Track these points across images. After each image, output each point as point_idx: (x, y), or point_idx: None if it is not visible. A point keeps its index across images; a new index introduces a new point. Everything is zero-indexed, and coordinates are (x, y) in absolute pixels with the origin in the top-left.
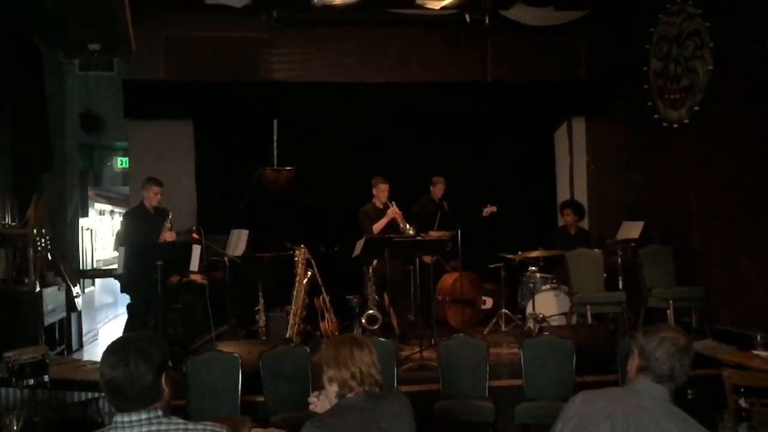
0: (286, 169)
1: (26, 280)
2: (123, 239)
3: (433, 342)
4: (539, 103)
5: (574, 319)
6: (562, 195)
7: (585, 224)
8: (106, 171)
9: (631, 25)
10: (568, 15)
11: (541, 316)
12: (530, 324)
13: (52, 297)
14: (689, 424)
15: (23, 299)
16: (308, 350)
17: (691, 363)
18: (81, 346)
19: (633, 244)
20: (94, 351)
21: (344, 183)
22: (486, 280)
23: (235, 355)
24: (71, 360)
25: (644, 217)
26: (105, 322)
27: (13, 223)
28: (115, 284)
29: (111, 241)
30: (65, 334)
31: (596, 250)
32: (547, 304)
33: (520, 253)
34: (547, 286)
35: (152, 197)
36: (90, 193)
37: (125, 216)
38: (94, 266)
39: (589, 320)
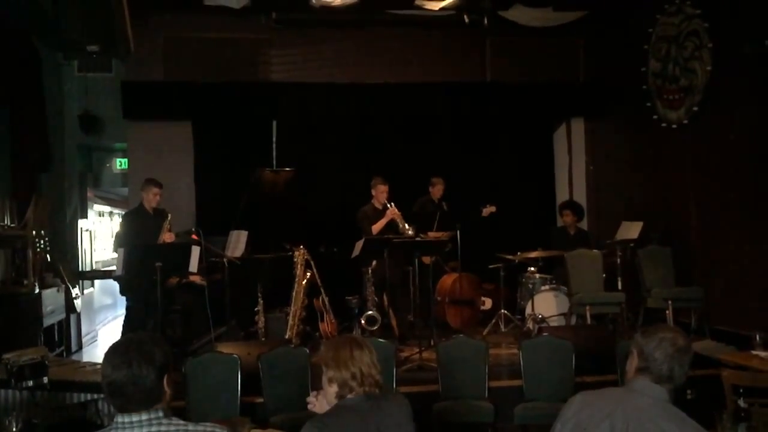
0: (286, 170)
1: (25, 282)
2: (122, 240)
3: (432, 343)
4: (538, 104)
5: (573, 320)
6: (561, 195)
7: (584, 225)
8: (105, 172)
9: (630, 26)
10: (566, 16)
11: (540, 316)
12: (529, 324)
13: (51, 298)
14: (688, 425)
15: (22, 301)
16: (307, 351)
17: (690, 363)
18: (80, 347)
19: (632, 245)
20: (94, 352)
21: (343, 184)
22: (485, 281)
23: (235, 356)
24: (70, 361)
25: (643, 217)
26: (104, 324)
27: (12, 225)
28: (115, 285)
29: (110, 242)
30: (64, 335)
31: (595, 250)
32: (547, 304)
33: (519, 253)
34: (547, 287)
35: (151, 198)
36: (89, 194)
37: (124, 217)
38: (94, 267)
39: (589, 321)
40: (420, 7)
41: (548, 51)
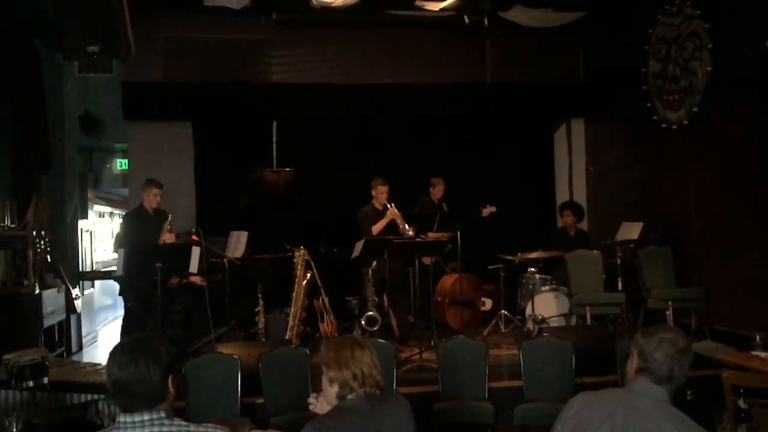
0: (286, 170)
1: (25, 282)
2: (122, 241)
3: (432, 343)
4: (538, 104)
5: (573, 320)
6: (562, 196)
7: (584, 225)
8: (106, 173)
9: (630, 27)
10: (566, 16)
11: (540, 317)
12: (530, 325)
13: (51, 299)
14: (688, 425)
15: (22, 301)
16: (308, 352)
17: (691, 364)
18: (80, 348)
19: (632, 245)
20: (94, 353)
21: (343, 184)
22: (485, 282)
23: (235, 356)
24: (71, 362)
25: (643, 217)
26: (104, 324)
27: (13, 225)
28: (115, 286)
29: (110, 242)
30: (65, 336)
31: (595, 251)
32: (547, 305)
33: (519, 254)
34: (547, 287)
35: (152, 199)
36: (89, 194)
37: (125, 218)
38: (94, 268)
39: (589, 321)
40: (420, 8)
41: (548, 51)
